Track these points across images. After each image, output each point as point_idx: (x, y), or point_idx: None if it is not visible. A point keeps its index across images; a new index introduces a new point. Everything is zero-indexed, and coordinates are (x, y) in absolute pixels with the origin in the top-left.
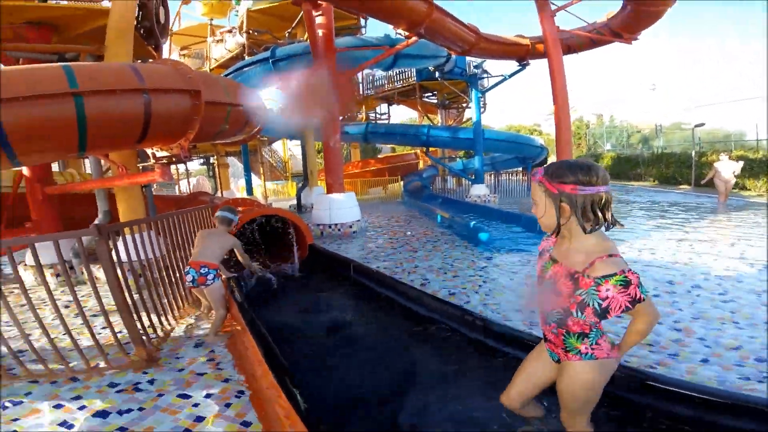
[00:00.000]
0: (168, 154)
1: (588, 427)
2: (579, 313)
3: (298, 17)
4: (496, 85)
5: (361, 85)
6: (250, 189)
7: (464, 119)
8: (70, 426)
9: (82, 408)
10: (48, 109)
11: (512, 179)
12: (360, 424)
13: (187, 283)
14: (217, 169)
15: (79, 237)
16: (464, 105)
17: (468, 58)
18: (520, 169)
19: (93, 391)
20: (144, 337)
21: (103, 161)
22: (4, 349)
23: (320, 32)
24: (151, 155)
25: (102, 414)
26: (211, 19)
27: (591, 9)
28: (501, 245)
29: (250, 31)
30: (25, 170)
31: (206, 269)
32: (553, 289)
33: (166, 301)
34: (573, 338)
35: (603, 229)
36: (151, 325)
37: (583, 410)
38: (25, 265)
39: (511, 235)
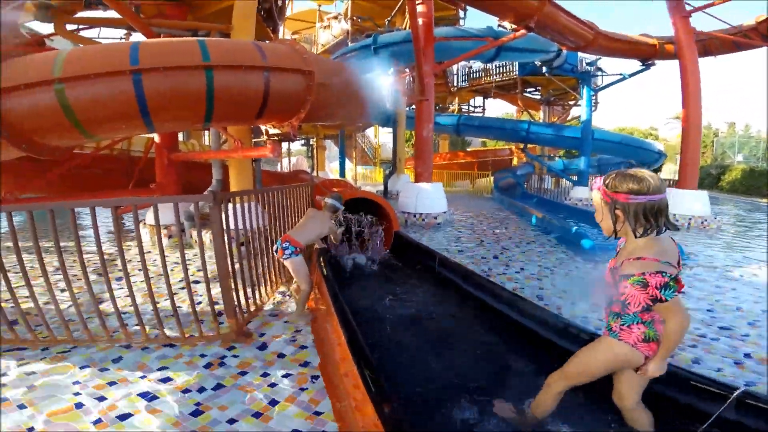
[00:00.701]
0: (278, 132)
1: (557, 396)
2: (614, 301)
3: (398, 5)
4: (613, 83)
5: (455, 76)
6: (343, 171)
7: (569, 117)
8: (153, 398)
9: (167, 380)
10: (183, 80)
11: None
12: (435, 421)
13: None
14: (315, 151)
15: (196, 201)
16: (571, 102)
17: (580, 55)
18: None
19: (182, 362)
20: (237, 309)
21: (222, 134)
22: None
23: (420, 21)
24: (264, 132)
25: (184, 389)
26: (320, 5)
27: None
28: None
29: (354, 18)
30: (156, 137)
31: (288, 244)
32: (603, 278)
33: (261, 273)
34: (611, 317)
35: (656, 233)
36: (245, 297)
37: (569, 376)
38: (144, 223)
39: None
